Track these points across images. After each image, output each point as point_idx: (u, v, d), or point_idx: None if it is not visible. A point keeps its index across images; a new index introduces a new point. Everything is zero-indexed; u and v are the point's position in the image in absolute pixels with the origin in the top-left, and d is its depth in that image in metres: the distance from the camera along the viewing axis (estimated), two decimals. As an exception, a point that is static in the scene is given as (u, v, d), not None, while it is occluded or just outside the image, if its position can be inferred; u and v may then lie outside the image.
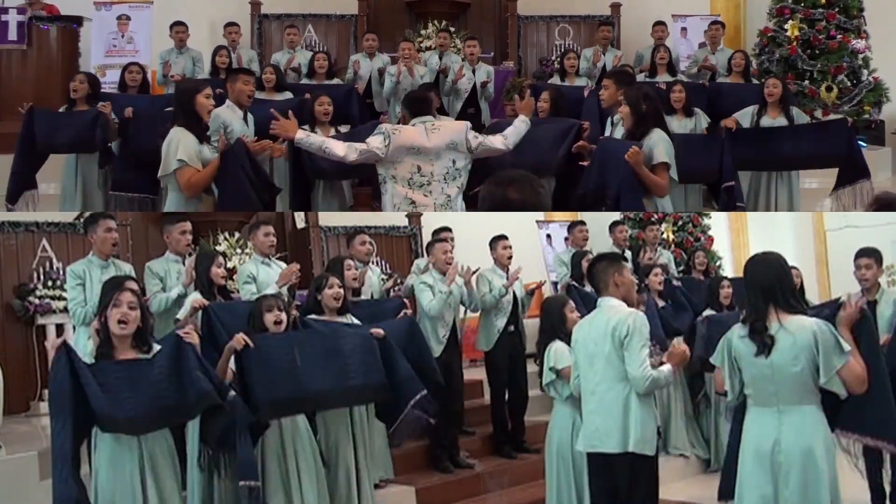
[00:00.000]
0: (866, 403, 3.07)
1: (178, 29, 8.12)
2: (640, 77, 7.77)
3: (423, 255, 7.37)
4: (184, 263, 4.79)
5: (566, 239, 8.37)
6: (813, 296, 6.60)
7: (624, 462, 3.47)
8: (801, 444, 3.00)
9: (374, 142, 4.31)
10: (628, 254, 6.84)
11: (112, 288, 3.50)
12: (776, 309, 3.08)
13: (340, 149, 4.30)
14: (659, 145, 4.32)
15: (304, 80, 7.88)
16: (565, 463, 4.29)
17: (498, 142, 4.56)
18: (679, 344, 3.59)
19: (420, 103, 4.59)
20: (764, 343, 3.06)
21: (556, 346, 4.32)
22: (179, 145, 4.23)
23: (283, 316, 4.05)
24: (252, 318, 4.08)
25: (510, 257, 5.78)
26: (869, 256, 4.53)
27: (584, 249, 6.44)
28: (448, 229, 6.03)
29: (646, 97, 4.44)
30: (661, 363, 3.56)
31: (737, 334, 3.19)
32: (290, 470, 4.04)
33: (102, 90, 6.64)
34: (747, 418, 3.19)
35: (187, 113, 4.35)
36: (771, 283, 3.10)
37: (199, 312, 4.30)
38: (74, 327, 4.95)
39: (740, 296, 5.58)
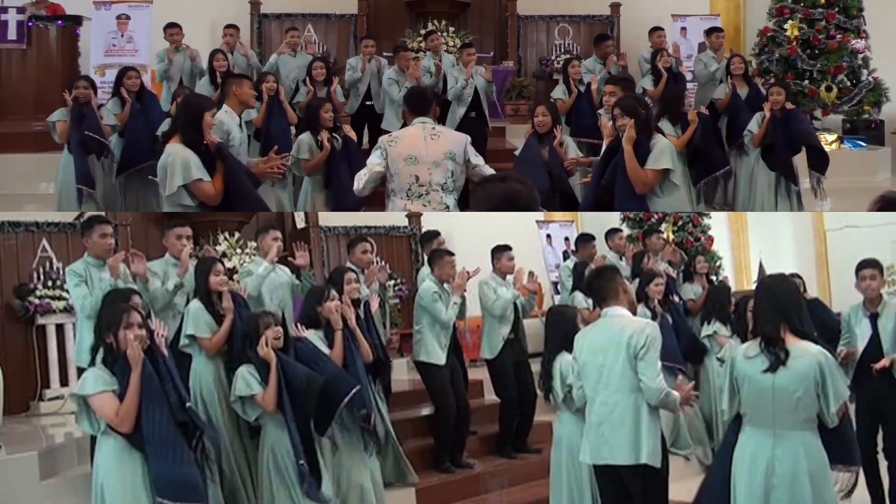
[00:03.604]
0: (836, 434, 3.11)
1: (172, 31, 8.09)
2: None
3: (422, 257, 7.36)
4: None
5: (566, 239, 8.38)
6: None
7: (636, 472, 3.45)
8: (794, 469, 3.01)
9: (372, 160, 4.33)
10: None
11: (120, 306, 3.59)
12: (786, 329, 3.08)
13: (354, 184, 4.39)
14: (665, 151, 4.30)
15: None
16: (572, 467, 4.26)
17: (489, 171, 4.41)
18: (686, 387, 3.60)
19: (420, 99, 4.53)
20: (777, 357, 3.04)
21: (568, 361, 4.21)
22: (191, 164, 4.09)
23: (280, 330, 4.14)
24: (248, 337, 4.15)
25: (514, 269, 5.75)
26: (873, 267, 4.50)
27: (586, 262, 6.40)
28: (438, 234, 6.03)
29: (640, 103, 4.43)
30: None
31: (742, 353, 3.19)
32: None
33: (101, 89, 6.70)
34: (741, 438, 3.19)
35: (192, 129, 4.21)
36: (787, 302, 3.11)
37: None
38: (74, 326, 4.93)
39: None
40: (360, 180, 4.34)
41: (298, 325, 4.46)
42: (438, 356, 5.39)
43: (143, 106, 6.79)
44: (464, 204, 4.55)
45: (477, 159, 4.40)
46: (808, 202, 7.01)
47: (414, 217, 8.03)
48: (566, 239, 8.59)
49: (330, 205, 5.77)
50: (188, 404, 3.51)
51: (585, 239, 6.78)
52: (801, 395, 2.99)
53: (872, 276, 4.48)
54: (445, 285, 5.40)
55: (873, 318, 4.52)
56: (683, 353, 5.85)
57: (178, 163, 4.06)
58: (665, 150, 4.29)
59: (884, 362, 4.37)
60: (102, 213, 5.73)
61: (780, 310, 3.09)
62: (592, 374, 3.58)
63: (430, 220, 7.57)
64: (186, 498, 3.40)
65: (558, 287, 7.10)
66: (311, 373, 4.05)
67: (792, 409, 3.02)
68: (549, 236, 8.74)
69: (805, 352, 3.03)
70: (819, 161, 6.55)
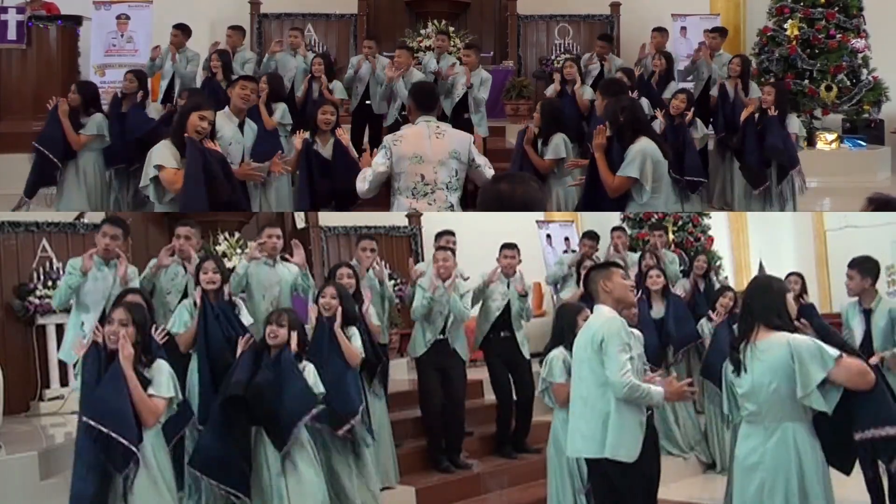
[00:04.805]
0: (866, 397, 3.03)
1: (173, 32, 8.08)
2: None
3: (423, 256, 7.36)
4: (184, 266, 4.83)
5: (566, 239, 8.38)
6: (813, 297, 6.60)
7: (614, 466, 3.45)
8: (785, 462, 3.03)
9: (377, 160, 4.32)
10: (634, 256, 6.85)
11: (112, 304, 3.58)
12: (759, 328, 3.14)
13: (359, 184, 4.38)
14: (635, 159, 4.26)
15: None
16: (566, 465, 4.29)
17: (489, 173, 4.42)
18: (679, 382, 3.57)
19: (426, 95, 4.53)
20: (738, 361, 3.15)
21: (555, 356, 4.34)
22: (157, 154, 4.25)
23: (281, 331, 4.10)
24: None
25: (509, 266, 5.73)
26: (852, 267, 4.60)
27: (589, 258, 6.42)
28: (451, 233, 6.03)
29: (623, 109, 4.38)
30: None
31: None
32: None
33: (101, 90, 6.68)
34: (739, 434, 3.25)
35: (178, 129, 4.33)
36: (758, 304, 3.18)
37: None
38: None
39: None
40: (365, 181, 4.33)
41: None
42: (415, 349, 5.44)
43: (127, 109, 6.67)
44: (465, 202, 4.54)
45: (480, 159, 4.42)
46: (809, 202, 7.02)
47: (414, 217, 8.02)
48: (566, 239, 8.59)
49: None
50: (101, 428, 3.31)
51: (585, 236, 6.83)
52: (777, 386, 3.03)
53: (850, 276, 4.59)
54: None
55: (867, 314, 4.59)
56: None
57: (151, 157, 4.26)
58: (636, 157, 4.26)
59: (875, 359, 4.38)
60: (116, 214, 5.80)
61: (752, 314, 3.18)
62: (576, 369, 3.66)
63: (432, 220, 7.57)
64: None
65: (558, 287, 7.12)
66: (235, 383, 4.00)
67: (773, 402, 3.05)
68: (549, 236, 8.74)
69: (773, 343, 3.07)
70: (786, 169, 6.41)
